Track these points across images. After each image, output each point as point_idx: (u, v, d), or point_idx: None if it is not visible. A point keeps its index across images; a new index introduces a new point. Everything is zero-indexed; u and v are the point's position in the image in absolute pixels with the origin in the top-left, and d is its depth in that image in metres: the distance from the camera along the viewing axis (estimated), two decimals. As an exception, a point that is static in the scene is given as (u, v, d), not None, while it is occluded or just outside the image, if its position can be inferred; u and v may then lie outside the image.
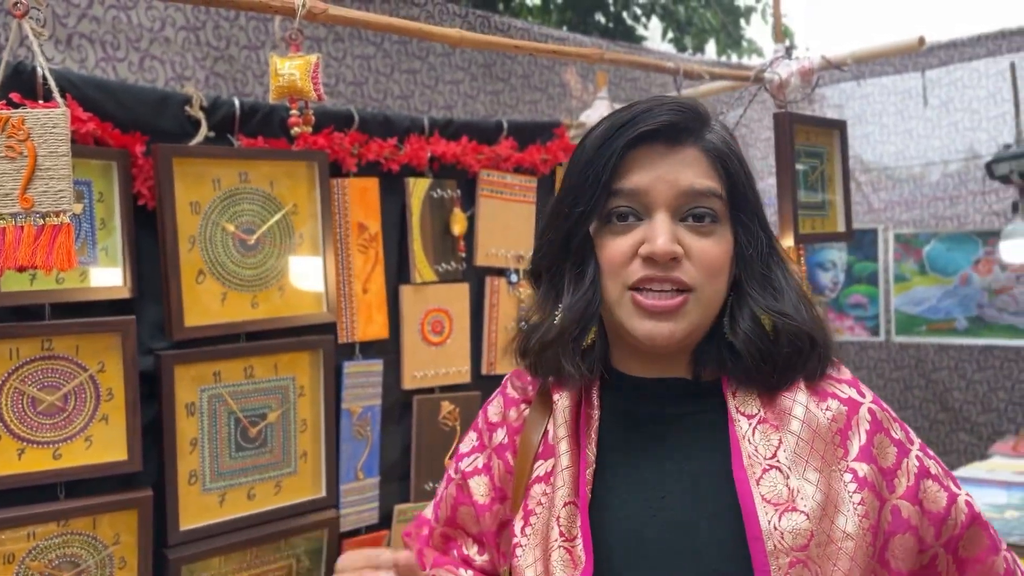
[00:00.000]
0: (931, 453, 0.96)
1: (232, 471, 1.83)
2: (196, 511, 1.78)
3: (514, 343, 1.02)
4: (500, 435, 1.03)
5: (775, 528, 0.83)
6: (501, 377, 2.24)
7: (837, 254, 6.17)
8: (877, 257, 6.03)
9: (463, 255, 2.18)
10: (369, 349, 2.05)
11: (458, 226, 2.14)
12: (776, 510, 0.84)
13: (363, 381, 2.02)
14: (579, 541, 0.88)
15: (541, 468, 0.96)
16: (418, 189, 2.11)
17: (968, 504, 0.94)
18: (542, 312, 0.97)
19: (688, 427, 0.93)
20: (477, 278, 2.23)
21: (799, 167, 1.95)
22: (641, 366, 0.96)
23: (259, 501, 1.87)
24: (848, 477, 0.86)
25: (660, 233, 0.87)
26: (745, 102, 1.91)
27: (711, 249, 0.90)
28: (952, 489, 0.93)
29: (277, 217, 1.89)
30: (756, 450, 0.87)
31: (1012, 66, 4.07)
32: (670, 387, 0.95)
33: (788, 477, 0.85)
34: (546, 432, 0.98)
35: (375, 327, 2.04)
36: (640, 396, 0.96)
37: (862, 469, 0.87)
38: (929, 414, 6.00)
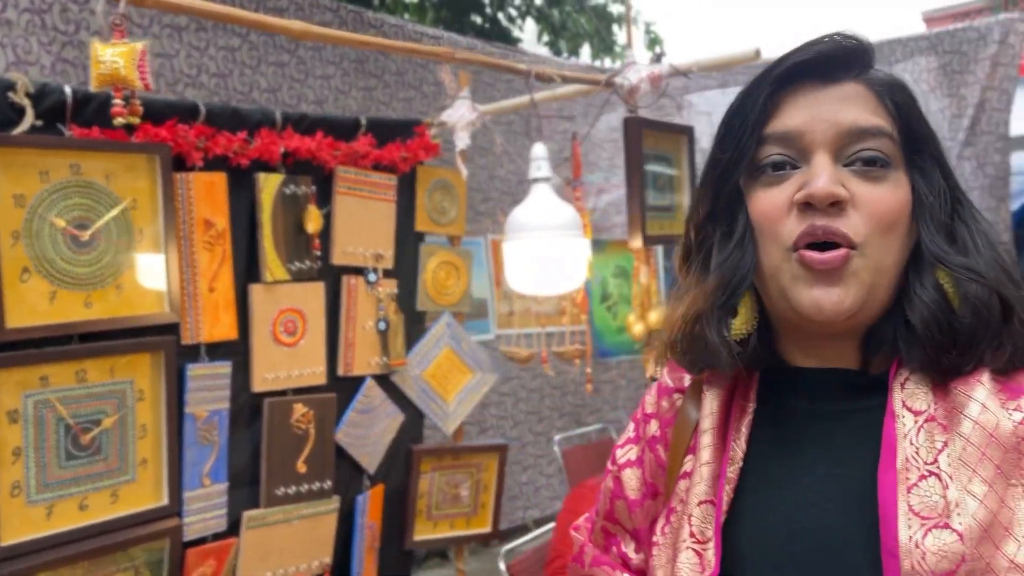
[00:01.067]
0: None
1: (62, 481, 1.71)
2: (20, 525, 1.65)
3: (664, 333, 0.87)
4: (653, 427, 0.93)
5: (917, 545, 0.69)
6: (359, 378, 2.22)
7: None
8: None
9: (318, 253, 2.12)
10: (216, 350, 1.96)
11: (312, 224, 2.08)
12: (923, 525, 0.69)
13: (209, 384, 1.94)
14: (711, 544, 0.79)
15: (689, 463, 0.86)
16: (269, 185, 2.03)
17: None
18: (687, 297, 0.84)
19: (850, 426, 0.79)
20: (333, 277, 2.18)
21: (648, 170, 1.99)
22: (805, 354, 0.82)
23: (93, 512, 1.76)
24: None
25: (819, 173, 0.74)
26: (599, 107, 1.93)
27: (884, 197, 0.75)
28: None
29: (114, 212, 1.78)
30: (917, 452, 0.72)
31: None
32: (834, 379, 0.81)
33: (947, 488, 0.70)
34: (698, 425, 0.87)
35: (222, 327, 1.96)
36: (800, 389, 0.82)
37: None
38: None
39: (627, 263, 6.18)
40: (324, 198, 2.15)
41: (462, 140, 2.36)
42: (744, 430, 0.82)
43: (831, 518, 0.76)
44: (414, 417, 2.36)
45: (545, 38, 5.93)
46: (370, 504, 2.22)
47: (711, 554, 0.78)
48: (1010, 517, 0.68)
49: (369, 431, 2.22)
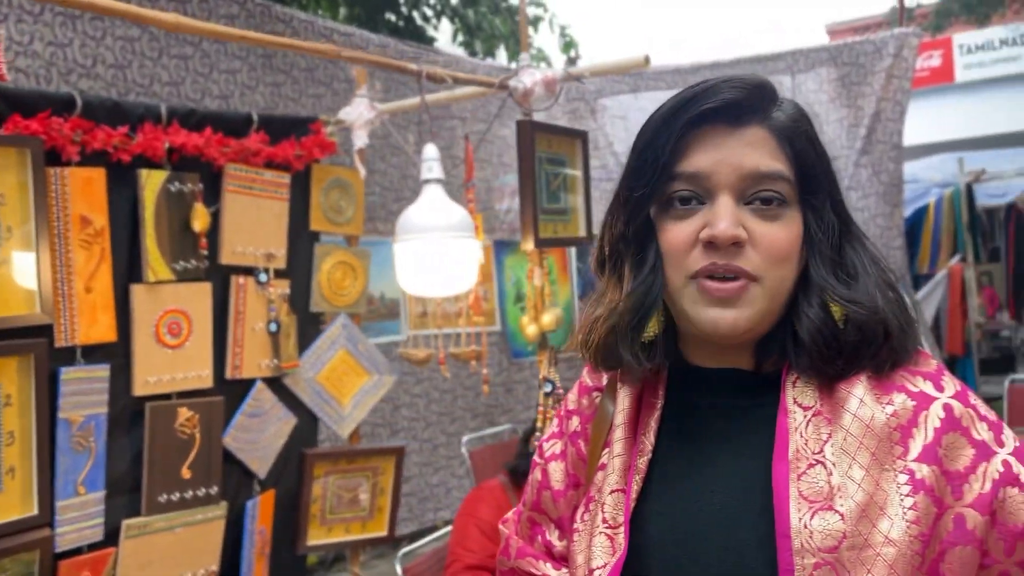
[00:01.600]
0: None
1: (-83, 491, 1.61)
2: None
3: (579, 335, 0.94)
4: (575, 423, 1.00)
5: (805, 526, 0.77)
6: (248, 381, 2.16)
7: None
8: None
9: (205, 253, 2.05)
10: (93, 353, 1.88)
11: (199, 222, 2.01)
12: (811, 508, 0.78)
13: (85, 388, 1.85)
14: (622, 529, 0.86)
15: (605, 456, 0.93)
16: (152, 182, 1.96)
17: None
18: (604, 301, 0.91)
19: (747, 421, 0.87)
20: (221, 277, 2.11)
21: (543, 172, 1.99)
22: (705, 356, 0.90)
23: (-47, 523, 1.66)
24: (903, 478, 0.78)
25: (722, 217, 0.81)
26: (492, 108, 1.92)
27: (777, 234, 0.83)
28: None
29: (-20, 208, 1.68)
30: (806, 444, 0.81)
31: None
32: (731, 378, 0.89)
33: (831, 474, 0.79)
34: (613, 420, 0.95)
35: (100, 329, 1.88)
36: (701, 387, 0.90)
37: (921, 471, 0.78)
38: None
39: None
40: (213, 196, 2.08)
41: (360, 139, 2.32)
42: (653, 424, 0.90)
43: (730, 504, 0.83)
44: (308, 420, 2.31)
45: (460, 39, 5.90)
46: (260, 509, 2.17)
47: (621, 538, 0.85)
48: (884, 498, 0.77)
49: (259, 435, 2.17)
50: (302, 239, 2.28)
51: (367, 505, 2.37)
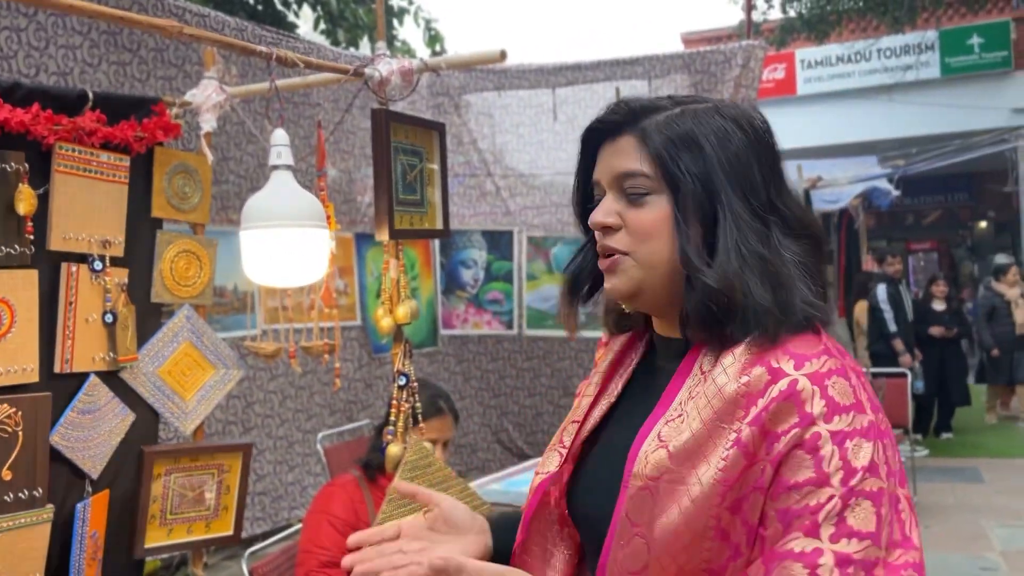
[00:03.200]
0: (868, 446, 0.90)
1: None
2: None
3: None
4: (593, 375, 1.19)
5: (647, 457, 0.94)
6: (80, 376, 2.01)
7: (478, 253, 6.47)
8: (513, 257, 6.43)
9: (32, 238, 1.90)
10: (-102, 345, 1.71)
11: (25, 205, 1.86)
12: (659, 445, 0.94)
13: None
14: (567, 450, 1.09)
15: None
16: (-30, 159, 1.79)
17: (830, 501, 0.88)
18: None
19: (666, 380, 1.03)
20: (50, 265, 1.96)
21: (399, 164, 1.96)
22: (659, 325, 1.10)
23: None
24: (731, 437, 0.91)
25: (598, 209, 1.03)
26: (350, 97, 1.86)
27: (640, 217, 1.01)
28: (828, 481, 0.88)
29: None
30: (687, 399, 0.96)
31: (616, 91, 4.56)
32: (668, 345, 1.07)
33: (683, 423, 0.94)
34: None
35: (-94, 319, 1.70)
36: (659, 351, 1.10)
37: (745, 431, 0.90)
38: (554, 399, 6.52)
39: (404, 257, 6.13)
40: (41, 177, 1.93)
41: (207, 122, 2.22)
42: (623, 376, 1.13)
43: (624, 443, 1.01)
44: (148, 417, 2.19)
45: (323, 27, 5.76)
46: (92, 512, 2.03)
47: (564, 454, 1.09)
48: (711, 450, 0.91)
49: (92, 433, 2.03)
50: (143, 226, 2.16)
51: (212, 504, 2.26)
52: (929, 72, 9.56)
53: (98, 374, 2.04)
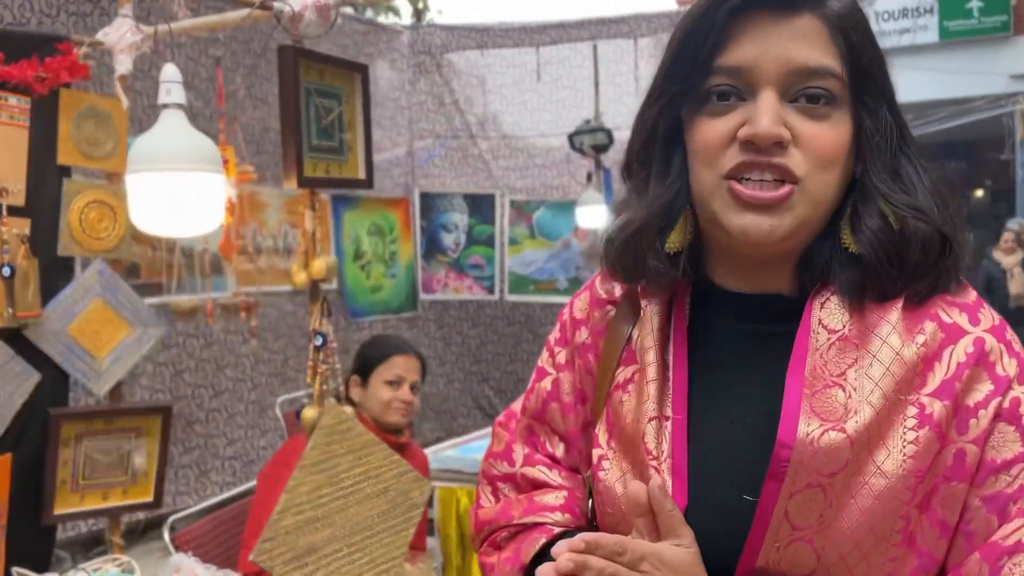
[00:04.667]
0: None
1: None
2: None
3: (603, 241, 0.89)
4: (583, 334, 0.93)
5: (812, 442, 0.72)
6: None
7: (459, 216, 6.30)
8: (495, 221, 6.26)
9: (-87, 183, 1.74)
10: None
11: (-97, 147, 1.70)
12: (822, 426, 0.72)
13: None
14: (665, 457, 0.80)
15: (622, 375, 0.87)
16: None
17: None
18: (629, 208, 0.86)
19: (769, 348, 0.81)
20: (-62, 213, 1.81)
21: (313, 105, 1.79)
22: (736, 278, 0.84)
23: None
24: (912, 411, 0.73)
25: (764, 113, 0.74)
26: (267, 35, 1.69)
27: (824, 135, 0.76)
28: None
29: None
30: (825, 366, 0.75)
31: (594, 48, 4.34)
32: (759, 304, 0.83)
33: (850, 397, 0.73)
34: (630, 338, 0.88)
35: None
36: (731, 312, 0.84)
37: (933, 405, 0.73)
38: (535, 366, 6.41)
39: (383, 220, 5.98)
40: (-75, 118, 1.77)
41: (123, 64, 2.04)
42: (679, 348, 0.84)
43: (744, 432, 0.79)
44: (56, 377, 2.04)
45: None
46: (-9, 477, 1.89)
47: (666, 470, 0.80)
48: (888, 429, 0.72)
49: (-10, 393, 1.89)
50: (47, 173, 2.00)
51: (129, 469, 2.13)
52: (927, 36, 9.26)
53: (-4, 331, 1.90)
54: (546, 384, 0.97)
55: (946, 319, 0.77)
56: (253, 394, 4.91)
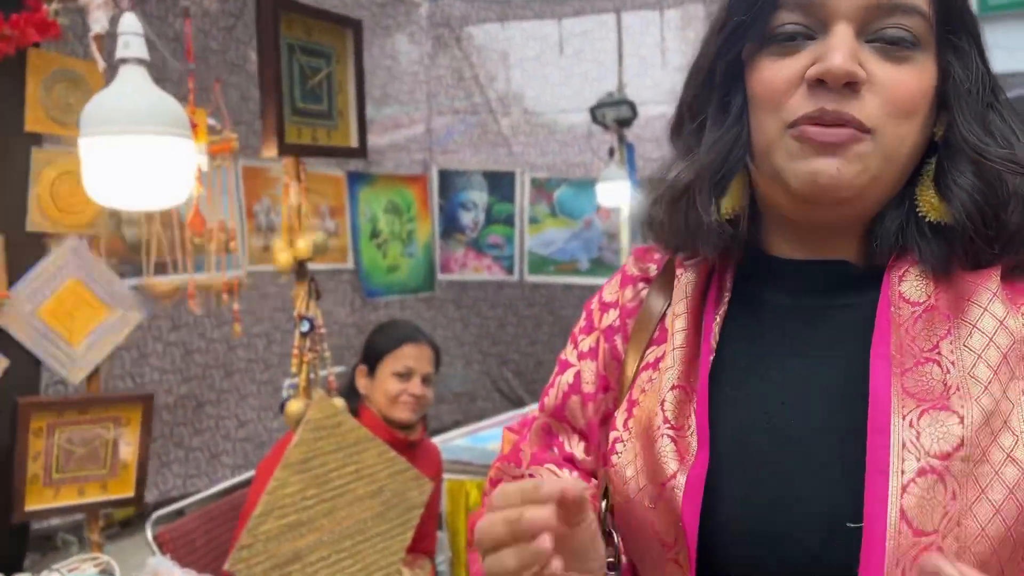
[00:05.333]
0: None
1: None
2: None
3: (647, 206, 0.81)
4: (611, 316, 0.85)
5: (911, 424, 0.62)
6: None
7: (478, 194, 6.10)
8: (515, 199, 6.05)
9: None
10: None
11: None
12: (919, 406, 0.63)
13: None
14: (691, 430, 0.70)
15: (652, 354, 0.79)
16: None
17: None
18: (676, 167, 0.76)
19: (832, 322, 0.72)
20: None
21: (297, 64, 1.59)
22: (794, 244, 0.75)
23: None
24: None
25: (837, 47, 0.66)
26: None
27: (904, 80, 0.67)
28: None
29: None
30: (913, 341, 0.66)
31: (618, 19, 4.10)
32: (822, 271, 0.73)
33: (948, 372, 0.64)
34: (664, 316, 0.80)
35: None
36: (779, 282, 0.75)
37: None
38: (556, 348, 6.21)
39: (400, 198, 5.79)
40: None
41: (98, 22, 1.85)
42: (719, 319, 0.75)
43: (802, 416, 0.69)
44: (26, 363, 1.88)
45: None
46: (-48, 471, 1.73)
47: (691, 442, 0.69)
48: (1010, 409, 0.63)
49: (-51, 381, 1.72)
50: (14, 142, 1.82)
51: (107, 462, 1.96)
52: (968, 10, 8.87)
53: (-44, 313, 1.73)
54: (568, 377, 0.87)
55: None
56: (265, 374, 4.77)
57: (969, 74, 0.70)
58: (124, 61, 1.38)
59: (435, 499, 2.25)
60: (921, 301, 0.68)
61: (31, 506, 1.87)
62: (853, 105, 0.66)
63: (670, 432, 0.70)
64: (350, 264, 5.45)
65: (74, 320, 1.91)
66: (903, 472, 0.61)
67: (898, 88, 0.67)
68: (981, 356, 0.64)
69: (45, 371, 1.95)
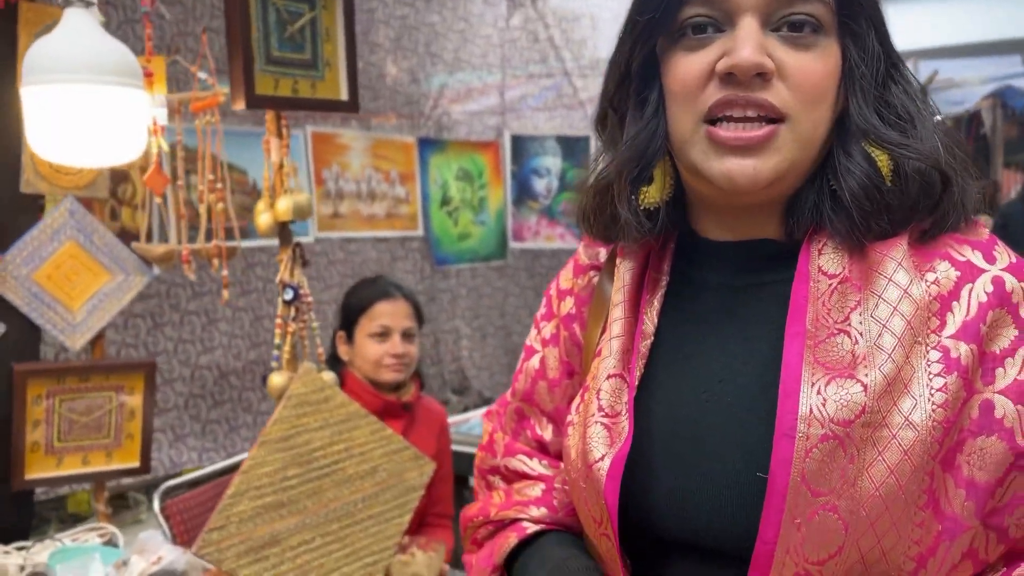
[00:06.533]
0: None
1: None
2: None
3: (576, 198, 0.86)
4: (568, 304, 0.89)
5: (818, 392, 0.65)
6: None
7: (552, 160, 5.88)
8: (589, 165, 5.82)
9: None
10: None
11: None
12: (827, 374, 0.66)
13: None
14: (622, 418, 0.74)
15: (603, 341, 0.82)
16: None
17: None
18: (602, 161, 0.81)
19: (763, 298, 0.75)
20: None
21: (272, 7, 1.44)
22: (721, 227, 0.78)
23: None
24: (935, 356, 0.66)
25: (744, 41, 0.68)
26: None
27: (811, 66, 0.69)
28: None
29: None
30: (828, 313, 0.69)
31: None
32: (748, 252, 0.76)
33: (856, 343, 0.67)
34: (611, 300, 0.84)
35: None
36: (712, 262, 0.78)
37: (958, 349, 0.66)
38: (631, 320, 5.98)
39: (471, 165, 5.64)
40: None
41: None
42: (656, 304, 0.79)
43: (738, 391, 0.72)
44: (24, 329, 1.81)
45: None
46: (-54, 437, 1.69)
47: (624, 426, 0.74)
48: (910, 374, 0.66)
49: (-60, 345, 1.68)
50: (5, 100, 1.74)
51: (111, 431, 1.90)
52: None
53: (-55, 276, 1.68)
54: (534, 362, 0.91)
55: (958, 257, 0.70)
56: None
57: (865, 55, 0.71)
58: (69, 3, 1.26)
59: (445, 460, 2.10)
60: (837, 273, 0.69)
61: (32, 474, 1.82)
62: (768, 92, 0.68)
63: (603, 420, 0.74)
64: (420, 231, 5.36)
65: (73, 285, 1.84)
66: (808, 436, 0.64)
67: (806, 74, 0.68)
68: (886, 326, 0.66)
69: (52, 339, 1.89)
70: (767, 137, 0.68)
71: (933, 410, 0.65)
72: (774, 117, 0.68)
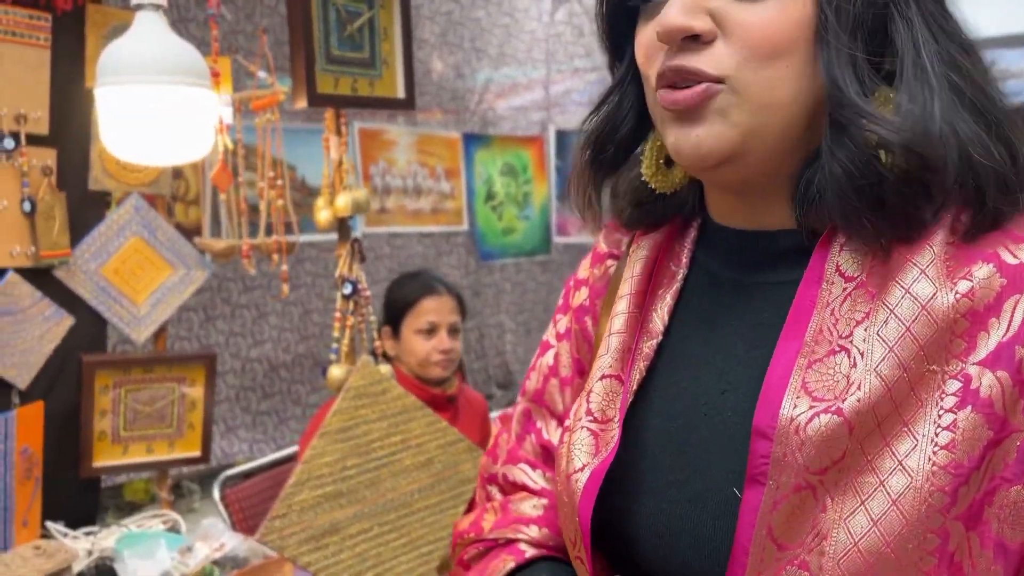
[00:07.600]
0: None
1: None
2: None
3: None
4: (582, 295, 0.81)
5: (797, 431, 0.55)
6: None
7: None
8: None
9: (-83, 109, 1.58)
10: None
11: (-99, 68, 1.53)
12: (814, 408, 0.55)
13: None
14: (613, 424, 0.66)
15: None
16: None
17: None
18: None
19: (777, 301, 0.64)
20: (-52, 141, 1.64)
21: (333, 6, 1.46)
22: (733, 213, 0.68)
23: None
24: (952, 386, 0.53)
25: (670, 3, 0.59)
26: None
27: (762, 19, 0.57)
28: None
29: None
30: (835, 324, 0.58)
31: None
32: (766, 243, 0.65)
33: (855, 366, 0.55)
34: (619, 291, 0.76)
35: None
36: (726, 254, 0.69)
37: (985, 378, 0.53)
38: (676, 315, 5.94)
39: (516, 160, 5.66)
40: (-70, 37, 1.59)
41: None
42: (669, 299, 0.69)
43: (738, 404, 0.62)
44: (91, 322, 1.87)
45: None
46: (19, 425, 1.75)
47: (613, 435, 0.65)
48: (915, 410, 0.53)
49: (14, 337, 1.73)
50: (74, 99, 1.79)
51: (174, 421, 1.95)
52: None
53: (19, 271, 1.73)
54: (548, 359, 0.83)
55: (1009, 259, 0.55)
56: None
57: (848, 2, 0.57)
58: (140, 7, 1.30)
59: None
60: (855, 276, 0.58)
61: (99, 462, 1.89)
62: (701, 58, 0.58)
63: (591, 425, 0.66)
64: (465, 226, 5.39)
65: (137, 279, 1.89)
66: (779, 487, 0.55)
67: (754, 29, 0.57)
68: (892, 349, 0.54)
69: (114, 332, 1.95)
70: (700, 98, 0.58)
71: (934, 452, 0.52)
72: (709, 82, 0.59)
